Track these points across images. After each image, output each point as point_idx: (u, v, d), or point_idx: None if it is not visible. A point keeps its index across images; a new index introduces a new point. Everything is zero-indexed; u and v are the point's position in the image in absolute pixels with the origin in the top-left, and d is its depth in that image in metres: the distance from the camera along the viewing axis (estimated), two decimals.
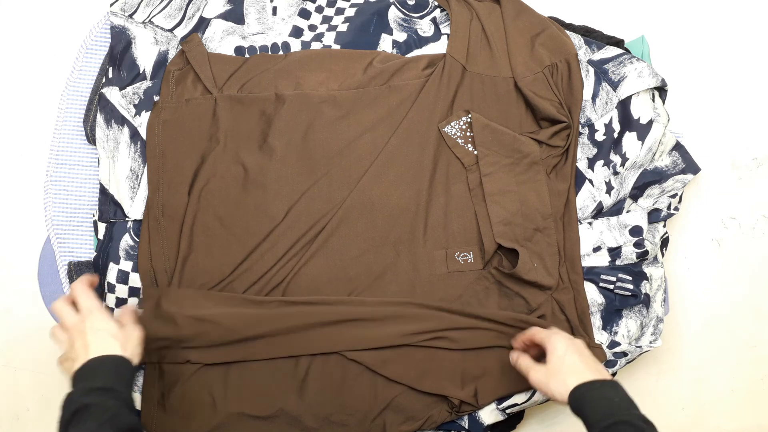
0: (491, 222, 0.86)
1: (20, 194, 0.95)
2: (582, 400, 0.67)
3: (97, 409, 0.61)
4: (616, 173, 0.89)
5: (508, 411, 0.87)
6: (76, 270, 0.89)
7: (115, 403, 0.62)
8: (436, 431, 0.89)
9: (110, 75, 0.90)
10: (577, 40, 0.91)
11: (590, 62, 0.90)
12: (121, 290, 0.86)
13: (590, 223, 0.89)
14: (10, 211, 0.95)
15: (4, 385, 0.94)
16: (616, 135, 0.89)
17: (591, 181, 0.90)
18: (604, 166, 0.90)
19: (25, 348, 0.94)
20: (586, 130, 0.90)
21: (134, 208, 0.88)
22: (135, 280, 0.86)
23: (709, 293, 1.00)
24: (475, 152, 0.88)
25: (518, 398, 0.87)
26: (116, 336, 0.70)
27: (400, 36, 0.93)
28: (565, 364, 0.70)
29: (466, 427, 0.87)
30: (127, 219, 0.88)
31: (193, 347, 0.82)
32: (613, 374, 0.89)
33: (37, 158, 0.94)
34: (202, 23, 0.92)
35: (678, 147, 0.90)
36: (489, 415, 0.87)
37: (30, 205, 0.94)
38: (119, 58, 0.90)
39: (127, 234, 0.87)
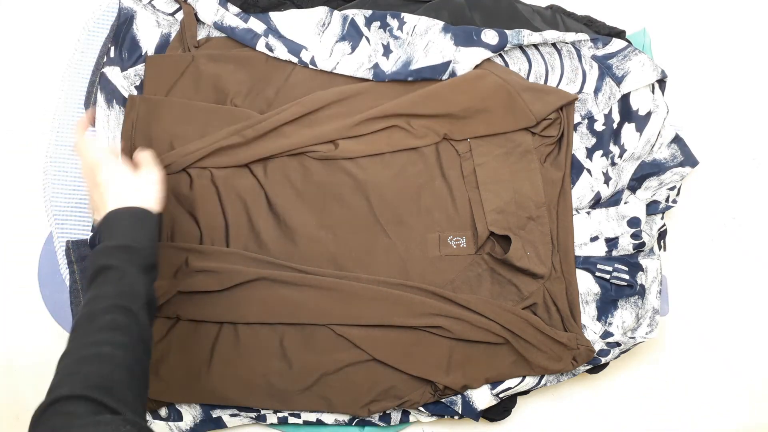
0: (484, 210, 0.87)
1: (21, 194, 0.95)
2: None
3: (115, 273, 0.62)
4: (613, 164, 0.89)
5: (501, 395, 0.88)
6: (74, 248, 0.89)
7: (131, 267, 0.63)
8: (429, 415, 0.90)
9: (112, 54, 0.90)
10: (582, 36, 0.91)
11: (594, 57, 0.90)
12: None
13: (588, 213, 0.90)
14: (11, 211, 0.95)
15: (4, 385, 0.94)
16: (615, 126, 0.89)
17: (589, 171, 0.90)
18: (602, 156, 0.90)
19: (25, 348, 0.94)
20: (585, 120, 0.90)
21: None
22: None
23: (709, 293, 1.00)
24: (468, 140, 0.89)
25: (511, 382, 0.87)
26: (131, 184, 0.69)
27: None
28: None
29: (460, 412, 0.88)
30: None
31: (184, 301, 0.84)
32: (606, 363, 0.90)
33: (39, 154, 0.94)
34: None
35: (677, 139, 0.90)
36: (482, 400, 0.87)
37: (30, 205, 0.94)
38: (122, 38, 0.90)
39: None
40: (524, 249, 0.85)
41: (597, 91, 0.90)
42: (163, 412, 0.88)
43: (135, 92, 0.89)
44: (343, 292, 0.84)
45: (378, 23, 0.90)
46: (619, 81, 0.88)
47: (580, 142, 0.90)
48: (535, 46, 0.90)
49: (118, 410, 0.52)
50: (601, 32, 0.93)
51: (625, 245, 0.88)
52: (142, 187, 0.70)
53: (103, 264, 0.63)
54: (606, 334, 0.89)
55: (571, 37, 0.89)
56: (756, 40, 1.01)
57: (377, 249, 0.87)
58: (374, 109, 0.86)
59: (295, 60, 0.88)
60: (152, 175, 0.72)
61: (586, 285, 0.89)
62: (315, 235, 0.86)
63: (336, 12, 0.90)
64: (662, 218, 0.92)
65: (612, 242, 0.88)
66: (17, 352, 0.94)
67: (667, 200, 0.90)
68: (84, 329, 0.58)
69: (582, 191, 0.90)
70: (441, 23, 0.89)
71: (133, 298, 0.61)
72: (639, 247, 0.88)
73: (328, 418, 0.89)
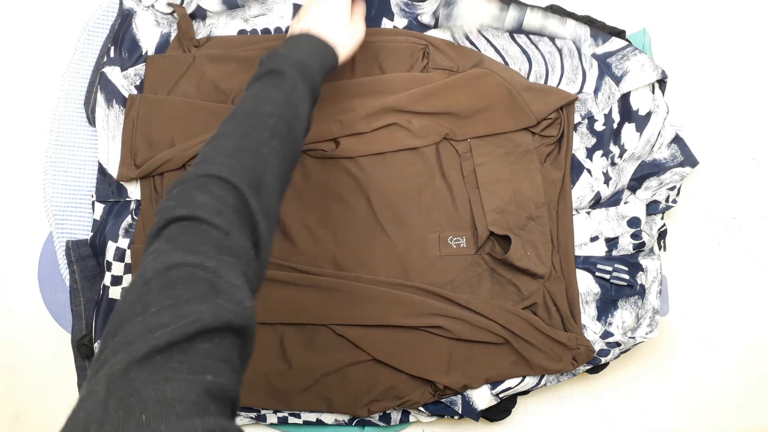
0: (484, 210, 0.87)
1: (21, 194, 0.94)
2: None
3: (288, 83, 0.62)
4: (613, 164, 0.89)
5: (501, 395, 0.88)
6: (74, 248, 0.89)
7: (303, 85, 0.64)
8: (429, 415, 0.90)
9: (112, 54, 0.90)
10: (583, 30, 0.91)
11: (594, 56, 0.90)
12: (117, 268, 0.87)
13: (588, 213, 0.90)
14: (11, 211, 0.95)
15: (4, 386, 0.94)
16: (615, 126, 0.89)
17: (589, 171, 0.90)
18: (602, 156, 0.90)
19: (25, 348, 0.94)
20: (585, 120, 0.90)
21: (137, 188, 0.88)
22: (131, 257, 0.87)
23: (709, 293, 1.00)
24: (469, 140, 0.89)
25: (511, 382, 0.87)
26: (342, 25, 0.73)
27: (401, 22, 0.93)
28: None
29: (460, 412, 0.88)
30: (128, 199, 0.88)
31: None
32: (606, 363, 0.90)
33: (39, 154, 0.94)
34: (201, 9, 0.91)
35: (677, 139, 0.90)
36: (482, 400, 0.87)
37: (30, 205, 0.94)
38: (122, 38, 0.90)
39: (129, 214, 0.88)
40: (524, 249, 0.86)
41: (597, 90, 0.90)
42: None
43: (135, 92, 0.90)
44: (343, 292, 0.84)
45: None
46: (618, 80, 0.88)
47: (580, 142, 0.90)
48: (536, 45, 0.90)
49: (257, 219, 0.50)
50: (602, 31, 0.93)
51: (625, 245, 0.88)
52: (346, 34, 0.74)
53: (279, 69, 0.63)
54: (606, 334, 0.89)
55: (571, 25, 0.89)
56: (756, 40, 1.01)
57: (377, 249, 0.87)
58: (375, 104, 0.86)
59: None
60: (358, 32, 0.77)
61: (586, 285, 0.89)
62: (315, 234, 0.86)
63: None
64: (662, 218, 0.92)
65: (612, 242, 0.88)
66: (17, 352, 0.94)
67: (667, 200, 0.90)
68: (248, 121, 0.58)
69: (582, 191, 0.90)
70: None
71: (296, 114, 0.61)
72: (639, 247, 0.88)
73: (328, 418, 0.89)
